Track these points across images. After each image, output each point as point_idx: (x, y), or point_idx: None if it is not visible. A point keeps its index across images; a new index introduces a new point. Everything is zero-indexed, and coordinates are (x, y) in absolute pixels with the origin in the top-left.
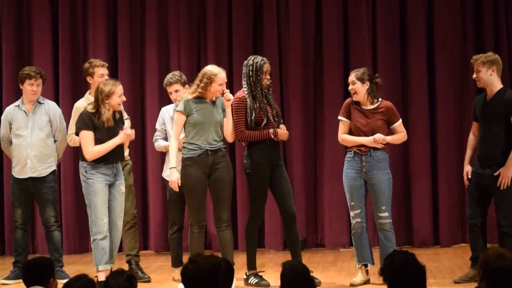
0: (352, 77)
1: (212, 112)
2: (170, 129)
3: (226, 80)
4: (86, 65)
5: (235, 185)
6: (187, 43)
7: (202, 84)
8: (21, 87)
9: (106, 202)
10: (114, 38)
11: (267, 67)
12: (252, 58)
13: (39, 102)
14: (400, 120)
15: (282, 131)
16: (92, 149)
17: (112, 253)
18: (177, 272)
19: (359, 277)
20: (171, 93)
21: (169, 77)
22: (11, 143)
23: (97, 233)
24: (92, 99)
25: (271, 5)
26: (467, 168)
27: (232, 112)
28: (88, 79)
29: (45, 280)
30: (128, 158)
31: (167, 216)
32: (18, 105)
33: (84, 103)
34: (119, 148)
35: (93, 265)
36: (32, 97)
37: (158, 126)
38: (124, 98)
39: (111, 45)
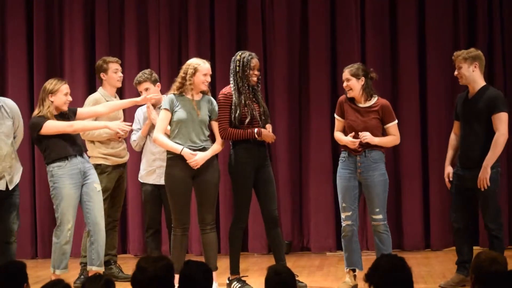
0: (346, 73)
1: (197, 110)
2: None
3: (210, 72)
4: (99, 62)
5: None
6: (167, 39)
7: (187, 76)
8: None
9: (74, 207)
10: (91, 33)
11: (255, 62)
12: (240, 53)
13: None
14: (395, 122)
15: (267, 132)
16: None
17: (99, 256)
18: None
19: (346, 282)
20: (141, 92)
21: (138, 76)
22: None
23: (60, 237)
24: (105, 92)
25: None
26: (448, 170)
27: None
28: (102, 75)
29: (18, 284)
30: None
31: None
32: None
33: (99, 96)
34: (72, 139)
35: (69, 270)
36: None
37: (134, 126)
38: (70, 98)
39: (88, 41)
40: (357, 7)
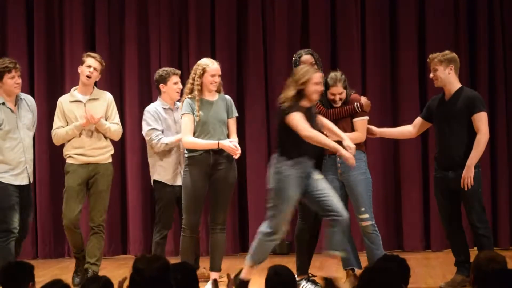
0: (339, 88)
1: (214, 110)
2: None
3: (219, 73)
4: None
5: None
6: (168, 40)
7: (196, 76)
8: None
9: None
10: (92, 33)
11: (304, 59)
12: (296, 54)
13: (19, 98)
14: (364, 118)
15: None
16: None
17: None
18: None
19: (346, 283)
20: (176, 82)
21: (171, 69)
22: None
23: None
24: (76, 95)
25: (255, 0)
26: (379, 130)
27: None
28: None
29: (24, 284)
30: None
31: (149, 219)
32: (3, 103)
33: (67, 99)
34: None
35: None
36: (17, 90)
37: (158, 126)
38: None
39: (89, 41)
40: (357, 7)
